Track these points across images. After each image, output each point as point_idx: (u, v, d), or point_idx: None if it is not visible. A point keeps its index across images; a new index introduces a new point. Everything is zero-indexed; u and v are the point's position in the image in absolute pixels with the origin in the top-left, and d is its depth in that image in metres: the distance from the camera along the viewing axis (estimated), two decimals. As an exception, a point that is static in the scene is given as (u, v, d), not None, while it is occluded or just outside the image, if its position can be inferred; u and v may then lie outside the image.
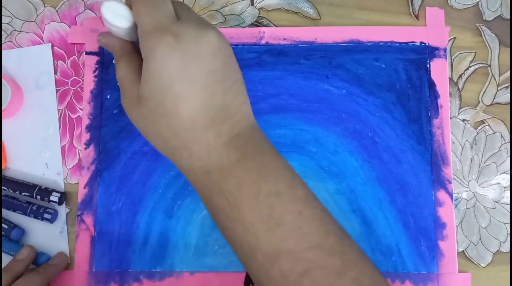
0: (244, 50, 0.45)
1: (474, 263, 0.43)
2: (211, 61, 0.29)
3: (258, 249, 0.29)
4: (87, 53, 0.46)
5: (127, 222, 0.43)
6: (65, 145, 0.45)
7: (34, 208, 0.43)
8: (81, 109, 0.45)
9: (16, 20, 0.47)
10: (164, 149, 0.31)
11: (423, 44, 0.45)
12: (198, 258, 0.42)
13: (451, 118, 0.45)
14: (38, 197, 0.43)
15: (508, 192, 0.44)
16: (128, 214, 0.43)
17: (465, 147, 0.44)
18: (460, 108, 0.45)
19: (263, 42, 0.46)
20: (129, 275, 0.42)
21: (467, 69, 0.45)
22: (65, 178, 0.44)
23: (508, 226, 0.43)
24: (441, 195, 0.43)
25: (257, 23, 0.47)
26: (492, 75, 0.45)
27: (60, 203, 0.43)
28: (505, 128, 0.45)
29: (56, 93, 0.46)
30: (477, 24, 0.46)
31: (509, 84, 0.45)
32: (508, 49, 0.46)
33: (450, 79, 0.45)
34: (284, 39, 0.46)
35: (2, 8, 0.47)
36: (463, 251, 0.43)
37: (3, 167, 0.44)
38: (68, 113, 0.45)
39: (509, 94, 0.45)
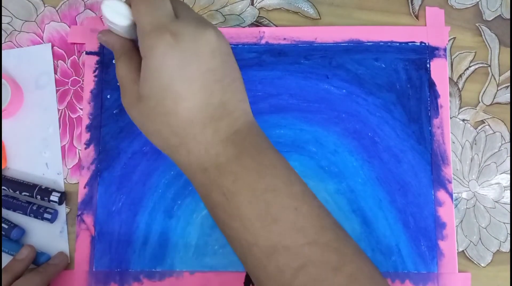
0: (244, 50, 0.45)
1: (474, 263, 0.43)
2: (210, 60, 0.29)
3: (255, 245, 0.29)
4: (87, 53, 0.46)
5: (127, 222, 0.43)
6: (65, 145, 0.45)
7: (34, 208, 0.43)
8: (81, 109, 0.45)
9: (16, 20, 0.47)
10: (163, 147, 0.31)
11: (423, 44, 0.45)
12: (198, 258, 0.42)
13: (451, 118, 0.45)
14: (38, 197, 0.43)
15: (508, 192, 0.44)
16: (128, 214, 0.43)
17: (465, 147, 0.44)
18: (460, 108, 0.45)
19: (263, 42, 0.46)
20: (129, 275, 0.42)
21: (467, 69, 0.45)
22: (65, 178, 0.44)
23: (508, 226, 0.43)
24: (441, 195, 0.43)
25: (257, 23, 0.47)
26: (492, 75, 0.45)
27: (60, 203, 0.43)
28: (505, 128, 0.45)
29: (56, 93, 0.46)
30: (477, 24, 0.46)
31: (509, 84, 0.45)
32: (508, 49, 0.46)
33: (450, 79, 0.45)
34: (284, 39, 0.46)
35: (2, 8, 0.47)
36: (463, 251, 0.43)
37: (3, 167, 0.44)
38: (68, 113, 0.45)
39: (509, 94, 0.45)
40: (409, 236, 0.42)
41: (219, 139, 0.30)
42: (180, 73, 0.28)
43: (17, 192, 0.43)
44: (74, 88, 0.46)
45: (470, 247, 0.43)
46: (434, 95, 0.44)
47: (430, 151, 0.44)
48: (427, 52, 0.45)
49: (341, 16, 0.46)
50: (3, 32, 0.47)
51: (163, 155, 0.44)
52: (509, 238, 0.43)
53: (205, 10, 0.47)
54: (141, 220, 0.43)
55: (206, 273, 0.42)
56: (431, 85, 0.45)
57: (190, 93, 0.29)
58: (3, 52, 0.46)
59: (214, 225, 0.43)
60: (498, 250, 0.43)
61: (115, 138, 0.44)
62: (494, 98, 0.45)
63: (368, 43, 0.45)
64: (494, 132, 0.45)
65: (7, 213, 0.44)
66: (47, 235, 0.43)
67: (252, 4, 0.47)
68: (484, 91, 0.45)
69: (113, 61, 0.45)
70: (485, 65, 0.46)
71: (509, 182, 0.44)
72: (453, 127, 0.45)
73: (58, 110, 0.45)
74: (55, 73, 0.46)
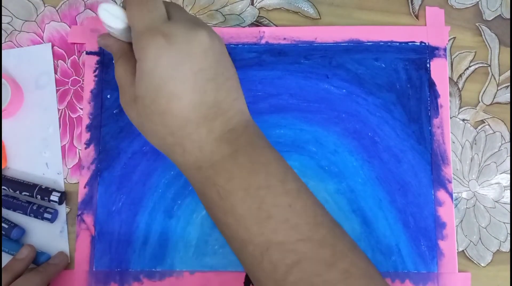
0: (244, 50, 0.45)
1: (474, 262, 0.43)
2: (203, 60, 0.29)
3: (249, 241, 0.29)
4: (87, 53, 0.46)
5: (127, 222, 0.43)
6: (65, 144, 0.45)
7: (34, 207, 0.43)
8: (81, 109, 0.45)
9: (16, 19, 0.47)
10: (160, 146, 0.32)
11: (423, 44, 0.45)
12: (198, 258, 0.42)
13: (451, 117, 0.45)
14: (38, 196, 0.43)
15: (508, 191, 0.44)
16: (128, 214, 0.43)
17: (465, 146, 0.44)
18: (460, 107, 0.45)
19: (263, 41, 0.46)
20: (129, 275, 0.42)
21: (467, 68, 0.45)
22: (65, 178, 0.44)
23: (508, 226, 0.43)
24: (441, 194, 0.43)
25: (257, 23, 0.47)
26: (492, 74, 0.45)
27: (60, 202, 0.43)
28: (505, 128, 0.45)
29: (56, 92, 0.46)
30: (477, 24, 0.46)
31: (509, 83, 0.45)
32: (508, 49, 0.46)
33: (450, 79, 0.45)
34: (284, 39, 0.46)
35: (2, 8, 0.47)
36: (463, 250, 0.43)
37: (3, 167, 0.44)
38: (68, 113, 0.45)
39: (509, 94, 0.45)
40: (409, 236, 0.42)
41: (213, 138, 0.30)
42: (173, 73, 0.29)
43: (17, 192, 0.43)
44: (74, 88, 0.46)
45: (470, 247, 0.43)
46: (434, 95, 0.44)
47: (430, 151, 0.44)
48: (427, 52, 0.45)
49: (341, 16, 0.46)
50: (3, 32, 0.47)
51: (163, 155, 0.43)
52: (509, 238, 0.43)
53: (205, 10, 0.47)
54: (141, 220, 0.43)
55: (206, 273, 0.42)
56: (431, 85, 0.45)
57: (183, 93, 0.29)
58: (3, 52, 0.46)
59: (214, 225, 0.43)
60: (498, 250, 0.43)
61: (115, 138, 0.44)
62: (494, 98, 0.45)
63: (368, 43, 0.45)
64: (494, 132, 0.45)
65: (7, 213, 0.44)
66: (47, 235, 0.43)
67: (252, 4, 0.47)
68: (484, 91, 0.45)
69: (113, 61, 0.45)
70: (485, 65, 0.46)
71: (509, 182, 0.44)
72: (453, 127, 0.45)
73: (58, 110, 0.45)
74: (55, 73, 0.46)
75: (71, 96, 0.46)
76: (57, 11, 0.47)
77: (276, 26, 0.46)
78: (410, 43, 0.45)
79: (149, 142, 0.32)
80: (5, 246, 0.42)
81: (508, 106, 0.45)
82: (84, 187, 0.44)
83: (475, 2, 0.47)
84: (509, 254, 0.43)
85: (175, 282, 0.42)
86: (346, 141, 0.44)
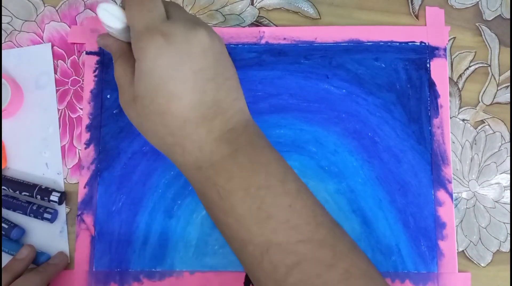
0: (244, 50, 0.45)
1: (474, 262, 0.43)
2: (202, 60, 0.29)
3: (249, 242, 0.29)
4: (87, 53, 0.46)
5: (127, 222, 0.43)
6: (65, 145, 0.45)
7: (34, 207, 0.43)
8: (81, 109, 0.45)
9: (16, 19, 0.47)
10: (160, 146, 0.32)
11: (423, 44, 0.45)
12: (198, 258, 0.42)
13: (451, 118, 0.45)
14: (38, 196, 0.43)
15: (508, 192, 0.44)
16: (128, 214, 0.43)
17: (465, 147, 0.44)
18: (460, 108, 0.45)
19: (263, 41, 0.46)
20: (129, 275, 0.42)
21: (467, 68, 0.45)
22: (65, 178, 0.44)
23: (508, 226, 0.43)
24: (441, 195, 0.43)
25: (257, 23, 0.47)
26: (492, 74, 0.45)
27: (60, 202, 0.43)
28: (505, 128, 0.45)
29: (56, 93, 0.46)
30: (477, 24, 0.46)
31: (509, 83, 0.45)
32: (508, 49, 0.46)
33: (450, 79, 0.45)
34: (284, 39, 0.46)
35: (2, 7, 0.47)
36: (463, 250, 0.43)
37: (3, 167, 0.44)
38: (68, 113, 0.45)
39: (509, 94, 0.45)
40: (409, 236, 0.42)
41: (213, 138, 0.30)
42: (172, 73, 0.29)
43: (17, 192, 0.43)
44: (74, 88, 0.46)
45: (470, 247, 0.43)
46: (434, 95, 0.44)
47: (430, 151, 0.44)
48: (427, 52, 0.45)
49: (341, 16, 0.46)
50: (3, 32, 0.47)
51: (163, 155, 0.43)
52: (509, 238, 0.43)
53: (205, 10, 0.47)
54: (141, 220, 0.43)
55: (206, 273, 0.42)
56: (431, 85, 0.45)
57: (183, 92, 0.29)
58: (3, 52, 0.46)
59: (214, 225, 0.43)
60: (498, 250, 0.43)
61: (115, 138, 0.44)
62: (494, 98, 0.45)
63: (368, 43, 0.45)
64: (494, 132, 0.45)
65: (7, 213, 0.44)
66: (47, 235, 0.43)
67: (252, 4, 0.47)
68: (484, 91, 0.45)
69: (113, 61, 0.45)
70: (485, 65, 0.46)
71: (509, 182, 0.44)
72: (453, 127, 0.45)
73: (58, 110, 0.45)
74: (55, 73, 0.46)
75: (71, 96, 0.46)
76: (57, 11, 0.47)
77: (276, 26, 0.46)
78: (410, 43, 0.45)
79: (149, 142, 0.32)
80: (5, 246, 0.42)
81: (508, 106, 0.45)
82: (84, 187, 0.44)
83: (475, 2, 0.47)
84: (509, 254, 0.43)
85: (175, 282, 0.42)
86: (346, 141, 0.44)
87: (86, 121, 0.45)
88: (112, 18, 0.31)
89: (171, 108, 0.29)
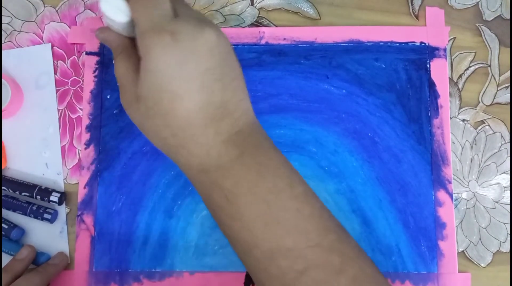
0: (244, 50, 0.45)
1: (474, 263, 0.43)
2: (209, 59, 0.28)
3: (256, 247, 0.29)
4: (87, 53, 0.46)
5: (127, 222, 0.43)
6: (65, 145, 0.45)
7: (34, 208, 0.43)
8: (81, 109, 0.45)
9: (16, 20, 0.47)
10: (162, 147, 0.31)
11: (423, 44, 0.45)
12: (198, 258, 0.42)
13: (451, 118, 0.45)
14: (38, 197, 0.43)
15: (508, 192, 0.44)
16: (128, 214, 0.43)
17: (465, 147, 0.44)
18: (460, 108, 0.45)
19: (263, 42, 0.46)
20: (129, 275, 0.42)
21: (467, 69, 0.45)
22: (65, 178, 0.44)
23: (508, 226, 0.43)
24: (441, 195, 0.43)
25: (257, 23, 0.47)
26: (492, 75, 0.45)
27: (60, 203, 0.43)
28: (505, 128, 0.45)
29: (56, 93, 0.46)
30: (477, 24, 0.46)
31: (509, 84, 0.45)
32: (508, 49, 0.46)
33: (450, 79, 0.45)
34: (284, 39, 0.46)
35: (2, 8, 0.47)
36: (463, 251, 0.43)
37: (3, 167, 0.44)
38: (68, 113, 0.45)
39: (509, 94, 0.45)
40: (409, 236, 0.42)
41: (221, 140, 0.29)
42: (179, 73, 0.28)
43: (17, 192, 0.43)
44: (74, 88, 0.46)
45: (470, 247, 0.43)
46: (434, 95, 0.44)
47: (430, 151, 0.44)
48: (427, 52, 0.45)
49: (341, 16, 0.46)
50: (3, 32, 0.47)
51: (163, 155, 0.43)
52: (509, 238, 0.43)
53: (205, 10, 0.47)
54: (141, 220, 0.43)
55: (206, 273, 0.42)
56: (431, 85, 0.45)
57: (189, 93, 0.28)
58: (3, 52, 0.46)
59: (214, 225, 0.43)
60: (498, 250, 0.43)
61: (115, 138, 0.44)
62: (494, 98, 0.45)
63: (368, 43, 0.45)
64: (494, 132, 0.45)
65: (7, 213, 0.44)
66: (47, 235, 0.43)
67: (252, 4, 0.47)
68: (484, 91, 0.45)
69: (113, 62, 0.45)
70: (485, 65, 0.46)
71: (509, 182, 0.44)
72: (453, 127, 0.45)
73: (58, 110, 0.45)
74: (55, 73, 0.46)
75: (71, 97, 0.46)
76: (56, 11, 0.47)
77: (276, 26, 0.46)
78: (410, 44, 0.45)
79: (151, 142, 0.31)
80: (5, 247, 0.42)
81: (508, 107, 0.45)
82: (84, 188, 0.44)
83: (475, 2, 0.47)
84: (509, 254, 0.43)
85: (175, 283, 0.42)
86: (346, 141, 0.44)
87: (86, 121, 0.45)
88: (115, 11, 0.30)
89: (177, 109, 0.28)
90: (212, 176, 0.30)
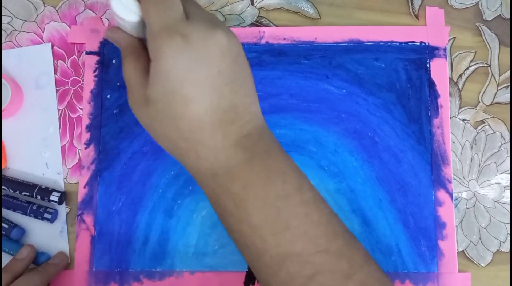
0: (244, 50, 0.45)
1: (474, 262, 0.43)
2: (220, 62, 0.28)
3: (265, 252, 0.29)
4: (87, 53, 0.46)
5: (127, 222, 0.43)
6: (65, 144, 0.45)
7: (34, 207, 0.43)
8: (81, 109, 0.45)
9: (16, 19, 0.47)
10: (171, 150, 0.31)
11: (423, 44, 0.45)
12: (198, 258, 0.42)
13: (451, 118, 0.45)
14: (38, 196, 0.43)
15: (508, 191, 0.44)
16: (128, 214, 0.43)
17: (465, 147, 0.44)
18: (460, 108, 0.45)
19: (263, 42, 0.46)
20: (129, 275, 0.42)
21: (467, 69, 0.45)
22: (65, 178, 0.44)
23: (508, 226, 0.43)
24: (441, 195, 0.43)
25: (257, 23, 0.47)
26: (492, 75, 0.45)
27: (60, 202, 0.43)
28: (505, 128, 0.45)
29: (56, 93, 0.46)
30: (477, 24, 0.46)
31: (509, 84, 0.45)
32: (508, 49, 0.46)
33: (450, 79, 0.45)
34: (284, 39, 0.46)
35: (2, 8, 0.47)
36: (463, 250, 0.43)
37: (3, 167, 0.44)
38: (68, 113, 0.45)
39: (509, 94, 0.45)
40: (409, 236, 0.42)
41: (230, 144, 0.29)
42: (190, 75, 0.27)
43: (17, 192, 0.43)
44: (74, 88, 0.46)
45: (470, 247, 0.43)
46: (434, 95, 0.44)
47: (430, 151, 0.44)
48: (427, 52, 0.45)
49: (341, 16, 0.46)
50: (3, 32, 0.47)
51: (163, 155, 0.44)
52: (509, 238, 0.43)
53: (205, 10, 0.47)
54: (141, 220, 0.43)
55: (206, 273, 0.42)
56: (431, 85, 0.45)
57: (199, 96, 0.28)
58: (3, 52, 0.46)
59: (214, 225, 0.43)
60: (498, 250, 0.43)
61: (115, 138, 0.44)
62: (494, 98, 0.45)
63: (368, 43, 0.45)
64: (494, 132, 0.45)
65: (7, 213, 0.44)
66: (47, 235, 0.43)
67: (252, 4, 0.47)
68: (484, 91, 0.45)
69: (113, 61, 0.45)
70: (485, 65, 0.46)
71: (509, 182, 0.44)
72: (453, 127, 0.45)
73: (58, 110, 0.45)
74: (55, 73, 0.46)
75: (71, 96, 0.46)
76: (57, 11, 0.47)
77: (276, 26, 0.46)
78: (410, 43, 0.45)
79: (159, 144, 0.31)
80: (5, 246, 0.42)
81: (508, 106, 0.45)
82: (84, 187, 0.44)
83: (475, 2, 0.47)
84: (509, 254, 0.43)
85: (175, 282, 0.42)
86: (346, 141, 0.44)
87: (86, 121, 0.45)
88: (126, 10, 0.29)
89: (187, 113, 0.28)
90: (220, 180, 0.29)
